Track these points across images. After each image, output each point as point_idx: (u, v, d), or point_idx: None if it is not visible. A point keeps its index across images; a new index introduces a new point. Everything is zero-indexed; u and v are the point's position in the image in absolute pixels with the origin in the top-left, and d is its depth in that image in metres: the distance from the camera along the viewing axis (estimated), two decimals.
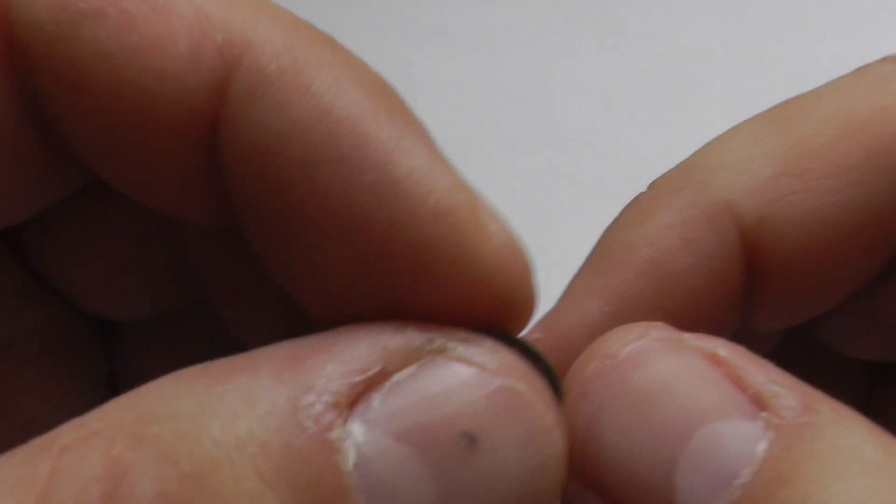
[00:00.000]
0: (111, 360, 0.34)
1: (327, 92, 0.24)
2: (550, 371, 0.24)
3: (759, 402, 0.22)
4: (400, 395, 0.21)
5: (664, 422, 0.22)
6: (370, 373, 0.21)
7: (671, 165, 0.29)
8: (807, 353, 0.30)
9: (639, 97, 0.71)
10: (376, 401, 0.21)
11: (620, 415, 0.22)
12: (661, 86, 0.70)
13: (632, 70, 0.73)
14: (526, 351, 0.24)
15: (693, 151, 0.29)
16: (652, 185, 0.31)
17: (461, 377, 0.22)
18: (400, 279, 0.23)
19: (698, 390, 0.22)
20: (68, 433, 0.20)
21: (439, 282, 0.23)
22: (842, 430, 0.21)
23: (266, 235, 0.25)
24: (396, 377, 0.21)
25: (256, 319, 0.32)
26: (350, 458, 0.20)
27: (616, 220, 0.31)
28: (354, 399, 0.21)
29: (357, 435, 0.21)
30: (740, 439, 0.21)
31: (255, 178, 0.23)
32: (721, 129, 0.29)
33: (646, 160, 0.36)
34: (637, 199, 0.31)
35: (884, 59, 0.27)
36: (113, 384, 0.34)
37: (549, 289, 0.27)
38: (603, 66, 0.73)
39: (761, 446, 0.21)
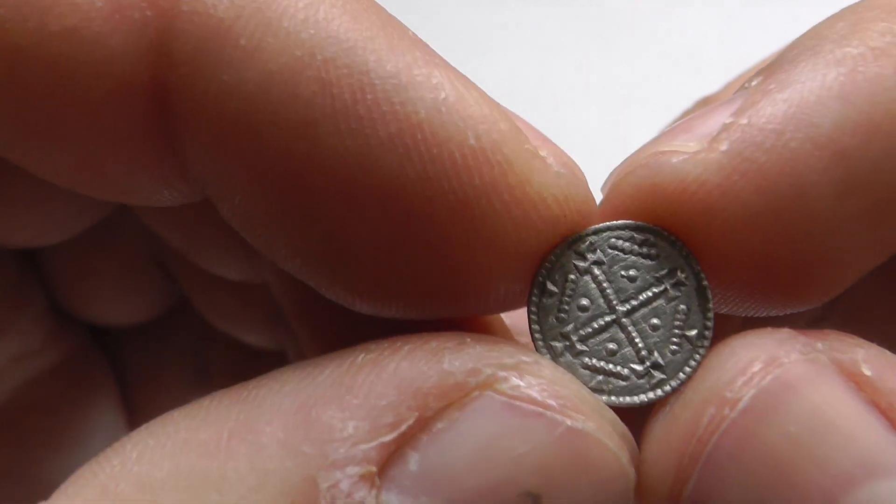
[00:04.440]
0: (117, 368, 0.34)
1: (305, 26, 0.18)
2: (689, 256, 0.21)
3: None
4: (443, 450, 0.16)
5: (799, 492, 0.17)
6: (403, 427, 0.16)
7: None
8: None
9: (638, 97, 0.71)
10: (414, 461, 0.16)
11: (744, 486, 0.17)
12: (661, 86, 0.70)
13: (631, 70, 0.73)
14: (661, 235, 0.21)
15: None
16: None
17: (518, 422, 0.17)
18: (448, 244, 0.18)
19: (842, 440, 0.17)
20: None
21: (495, 235, 0.18)
22: None
23: (259, 218, 0.19)
24: (437, 426, 0.16)
25: (237, 316, 0.31)
26: None
27: None
28: (386, 461, 0.16)
29: None
30: None
31: (231, 150, 0.18)
32: None
33: None
34: None
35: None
36: (123, 390, 0.34)
37: None
38: (603, 66, 0.74)
39: None
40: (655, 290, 0.21)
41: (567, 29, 0.77)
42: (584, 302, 0.21)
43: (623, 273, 0.21)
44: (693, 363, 0.21)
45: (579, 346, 0.21)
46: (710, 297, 0.21)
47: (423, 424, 0.16)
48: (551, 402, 0.17)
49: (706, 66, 0.67)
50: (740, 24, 0.75)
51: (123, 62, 0.18)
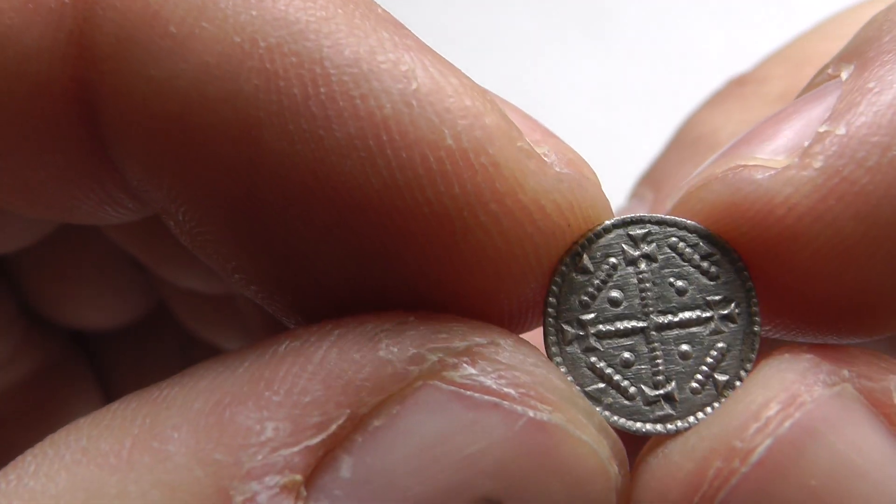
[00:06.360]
0: (100, 374, 0.33)
1: (246, 6, 0.15)
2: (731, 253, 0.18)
3: None
4: (380, 452, 0.14)
5: None
6: (332, 427, 0.14)
7: None
8: None
9: (637, 97, 0.70)
10: (346, 466, 0.14)
11: None
12: (659, 85, 0.70)
13: (630, 70, 0.73)
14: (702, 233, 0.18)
15: None
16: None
17: (470, 415, 0.14)
18: (427, 266, 0.15)
19: (872, 492, 0.15)
20: None
21: (483, 253, 0.15)
22: None
23: (207, 238, 0.17)
24: (373, 425, 0.14)
25: (216, 325, 0.30)
26: None
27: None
28: (314, 468, 0.14)
29: None
30: None
31: (164, 159, 0.16)
32: None
33: (644, 160, 0.36)
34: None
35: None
36: (107, 397, 0.33)
37: None
38: (600, 66, 0.73)
39: None
40: (701, 314, 0.19)
41: (564, 28, 0.76)
42: (617, 295, 0.19)
43: (672, 280, 0.19)
44: (710, 410, 0.18)
45: (593, 342, 0.18)
46: (756, 346, 0.18)
47: (356, 423, 0.14)
48: (509, 390, 0.14)
49: (706, 66, 0.67)
50: (740, 24, 0.75)
51: (40, 60, 0.16)
